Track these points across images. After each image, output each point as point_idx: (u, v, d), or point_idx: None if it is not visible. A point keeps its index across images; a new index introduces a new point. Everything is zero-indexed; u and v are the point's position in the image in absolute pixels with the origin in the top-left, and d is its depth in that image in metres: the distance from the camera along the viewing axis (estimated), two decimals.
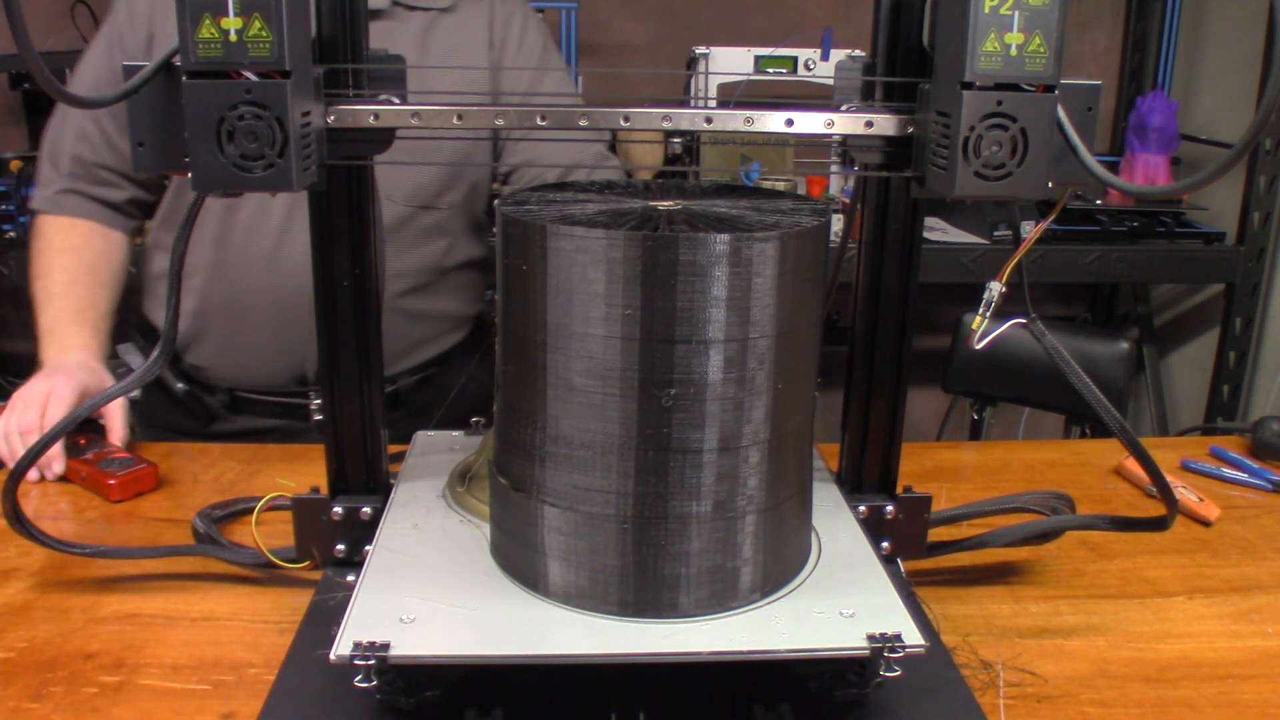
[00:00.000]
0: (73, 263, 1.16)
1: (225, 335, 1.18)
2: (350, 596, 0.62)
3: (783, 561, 0.65)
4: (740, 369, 0.59)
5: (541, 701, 0.63)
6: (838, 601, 0.63)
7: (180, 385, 1.22)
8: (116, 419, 1.05)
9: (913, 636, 0.59)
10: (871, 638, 0.58)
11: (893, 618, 0.61)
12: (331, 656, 0.56)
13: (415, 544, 0.69)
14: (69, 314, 1.14)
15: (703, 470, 0.60)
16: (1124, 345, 1.75)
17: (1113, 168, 2.21)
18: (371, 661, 0.56)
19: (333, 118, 0.64)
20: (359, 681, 0.56)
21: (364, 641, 0.57)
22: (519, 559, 0.65)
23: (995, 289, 0.68)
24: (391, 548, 0.68)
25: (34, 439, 0.87)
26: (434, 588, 0.63)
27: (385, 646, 0.57)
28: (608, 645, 0.59)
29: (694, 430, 0.59)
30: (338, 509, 0.75)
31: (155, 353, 0.68)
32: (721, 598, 0.62)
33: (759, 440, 0.61)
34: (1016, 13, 0.57)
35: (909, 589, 0.77)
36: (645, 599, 0.61)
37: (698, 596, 0.61)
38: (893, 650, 0.58)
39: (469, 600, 0.62)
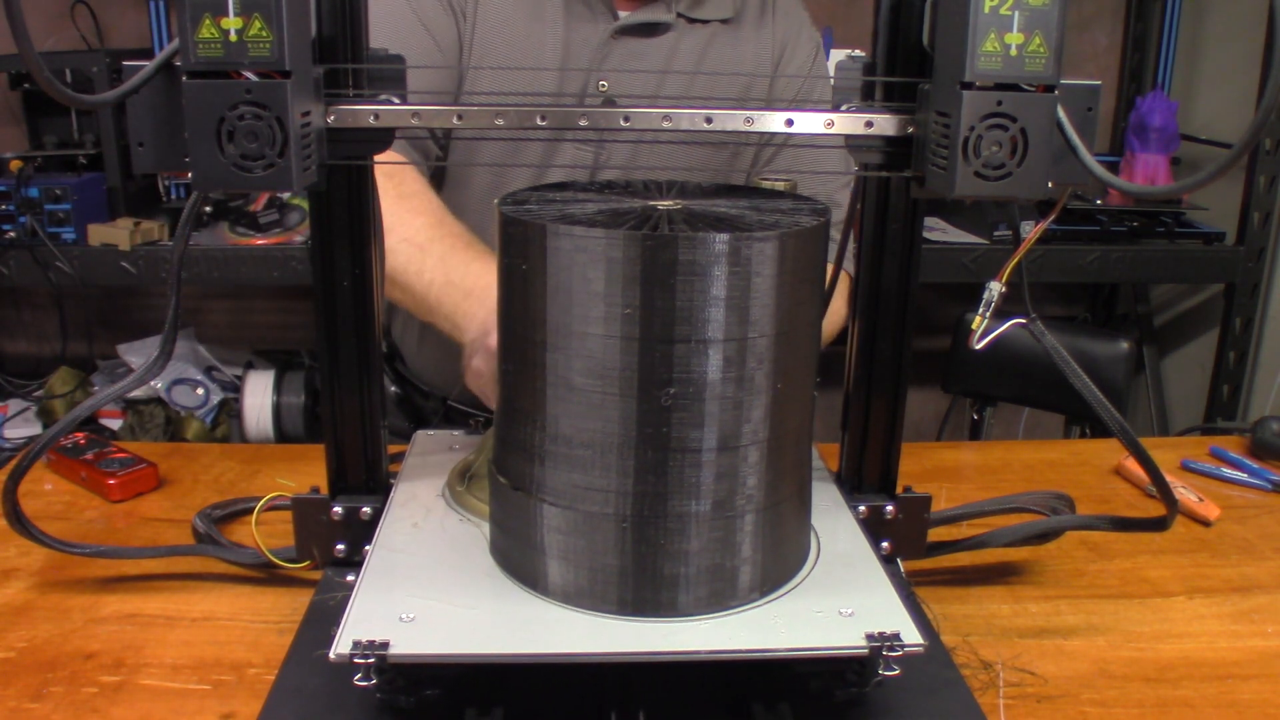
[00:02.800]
0: (423, 205, 1.04)
1: (446, 345, 1.19)
2: (350, 595, 0.62)
3: (782, 560, 0.65)
4: (739, 368, 0.59)
5: (541, 700, 0.63)
6: (837, 601, 0.63)
7: (394, 389, 1.23)
8: None
9: (911, 635, 0.59)
10: (870, 637, 0.58)
11: (891, 617, 0.61)
12: (331, 655, 0.56)
13: (415, 543, 0.69)
14: (461, 253, 1.00)
15: (702, 469, 0.60)
16: (1124, 345, 1.75)
17: (1113, 168, 2.21)
18: (371, 660, 0.56)
19: (333, 118, 0.64)
20: (358, 680, 0.56)
21: (364, 640, 0.57)
22: (518, 558, 0.65)
23: (995, 289, 0.68)
24: (391, 547, 0.68)
25: None
26: (434, 587, 0.63)
27: (385, 645, 0.56)
28: (607, 644, 0.59)
29: (693, 429, 0.59)
30: (338, 509, 0.75)
31: (155, 353, 0.68)
32: (720, 597, 0.62)
33: (758, 440, 0.61)
34: (1016, 13, 0.57)
35: (909, 589, 0.77)
36: (644, 598, 0.61)
37: (697, 595, 0.61)
38: (891, 649, 0.58)
39: (469, 599, 0.62)
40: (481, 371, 0.90)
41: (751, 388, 0.60)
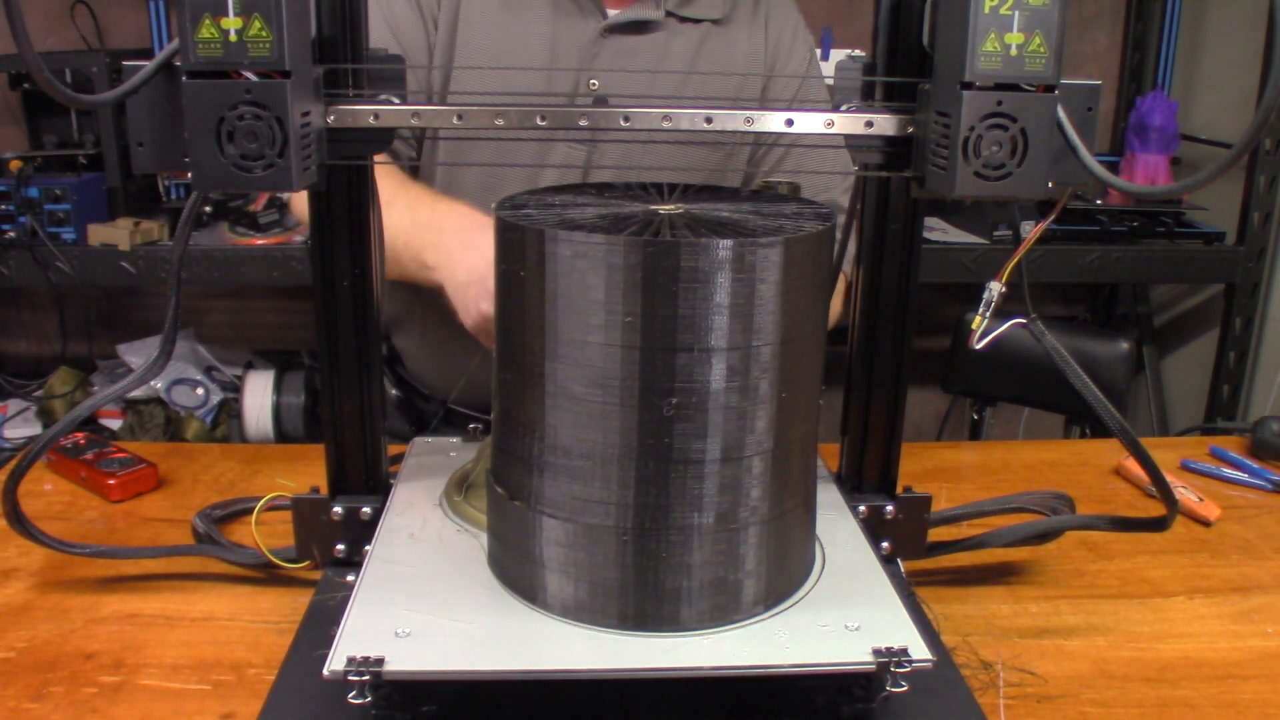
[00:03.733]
0: (389, 174, 1.04)
1: (445, 348, 1.19)
2: (344, 608, 0.61)
3: (786, 573, 0.64)
4: (743, 377, 0.58)
5: (540, 717, 0.62)
6: (842, 614, 0.62)
7: (395, 392, 1.24)
8: None
9: (920, 650, 0.58)
10: (877, 652, 0.57)
11: (899, 631, 0.60)
12: (325, 672, 0.55)
13: (411, 554, 0.68)
14: (428, 201, 1.02)
15: (705, 481, 0.59)
16: (1124, 345, 1.75)
17: (1113, 168, 2.21)
18: (366, 677, 0.55)
19: (333, 118, 0.64)
20: (353, 698, 0.55)
21: (358, 656, 0.55)
22: (517, 571, 0.64)
23: (995, 289, 0.68)
24: (387, 558, 0.67)
25: None
26: (430, 600, 0.62)
27: (380, 661, 0.55)
28: (607, 660, 0.58)
29: (696, 440, 0.58)
30: (338, 509, 0.74)
31: (155, 353, 0.68)
32: (724, 611, 0.61)
33: (762, 450, 0.60)
34: (1016, 13, 0.57)
35: (909, 589, 0.77)
36: (646, 612, 0.60)
37: (699, 610, 0.61)
38: (899, 665, 0.57)
39: (466, 613, 0.61)
40: (488, 315, 0.88)
41: (755, 397, 0.59)
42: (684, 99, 1.13)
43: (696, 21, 1.14)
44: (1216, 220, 2.10)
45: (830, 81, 0.71)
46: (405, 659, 0.56)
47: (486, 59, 1.08)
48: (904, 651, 0.57)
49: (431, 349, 1.23)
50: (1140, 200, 2.08)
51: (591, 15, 1.10)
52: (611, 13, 1.11)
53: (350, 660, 0.55)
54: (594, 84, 1.09)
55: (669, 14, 1.12)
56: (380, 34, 1.07)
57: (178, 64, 0.56)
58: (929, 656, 0.57)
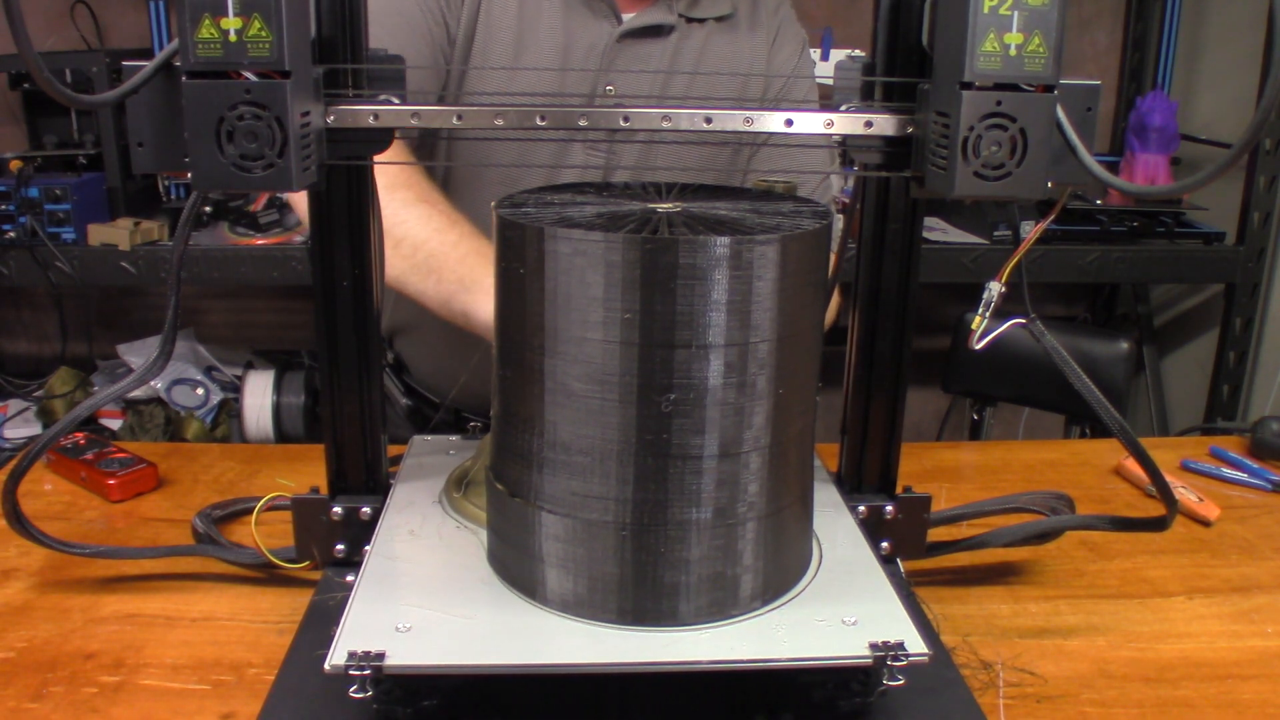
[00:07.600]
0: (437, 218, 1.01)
1: (452, 354, 1.19)
2: (346, 604, 0.61)
3: (784, 568, 0.65)
4: (741, 374, 0.59)
5: (540, 711, 0.63)
6: (840, 609, 0.62)
7: (405, 400, 1.24)
8: None
9: (916, 645, 0.58)
10: (874, 646, 0.58)
11: (896, 625, 0.60)
12: (326, 667, 0.55)
13: (412, 551, 0.68)
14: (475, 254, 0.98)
15: (703, 476, 0.59)
16: (1124, 345, 1.76)
17: (1113, 168, 2.21)
18: (367, 671, 0.55)
19: (333, 118, 0.64)
20: (354, 692, 0.55)
21: (359, 651, 0.56)
22: (516, 566, 0.64)
23: (995, 289, 0.68)
24: (387, 555, 0.68)
25: None
26: (431, 596, 0.62)
27: (381, 656, 0.56)
28: (607, 654, 0.58)
29: (694, 436, 0.58)
30: (337, 509, 0.74)
31: (155, 353, 0.68)
32: (722, 605, 0.61)
33: (760, 446, 0.61)
34: (1016, 13, 0.57)
35: (908, 589, 0.77)
36: (645, 607, 0.61)
37: (698, 604, 0.61)
38: (896, 659, 0.57)
39: (466, 608, 0.62)
40: None
41: (753, 393, 0.59)
42: (691, 99, 1.14)
43: (702, 21, 1.14)
44: (1216, 220, 2.10)
45: (830, 81, 0.71)
46: (406, 654, 0.57)
47: (502, 63, 1.08)
48: (900, 645, 0.58)
49: (437, 355, 1.23)
50: (1140, 200, 2.08)
51: (607, 21, 1.10)
52: (626, 17, 1.11)
53: (351, 655, 0.56)
54: (610, 89, 1.10)
55: (680, 15, 1.13)
56: (390, 30, 1.04)
57: (177, 64, 0.56)
58: (925, 650, 0.58)
